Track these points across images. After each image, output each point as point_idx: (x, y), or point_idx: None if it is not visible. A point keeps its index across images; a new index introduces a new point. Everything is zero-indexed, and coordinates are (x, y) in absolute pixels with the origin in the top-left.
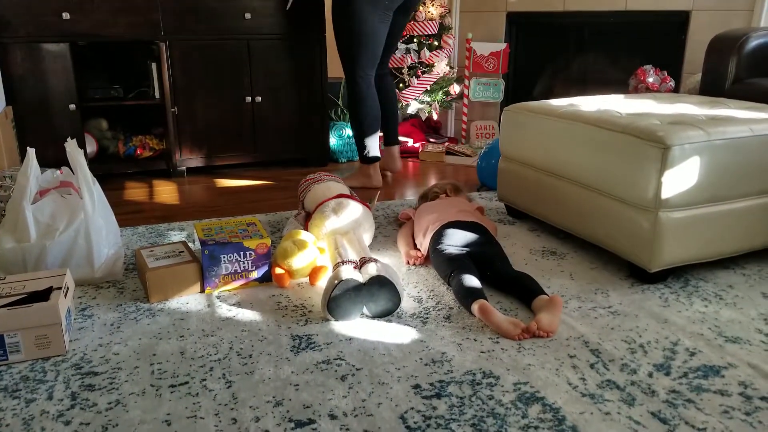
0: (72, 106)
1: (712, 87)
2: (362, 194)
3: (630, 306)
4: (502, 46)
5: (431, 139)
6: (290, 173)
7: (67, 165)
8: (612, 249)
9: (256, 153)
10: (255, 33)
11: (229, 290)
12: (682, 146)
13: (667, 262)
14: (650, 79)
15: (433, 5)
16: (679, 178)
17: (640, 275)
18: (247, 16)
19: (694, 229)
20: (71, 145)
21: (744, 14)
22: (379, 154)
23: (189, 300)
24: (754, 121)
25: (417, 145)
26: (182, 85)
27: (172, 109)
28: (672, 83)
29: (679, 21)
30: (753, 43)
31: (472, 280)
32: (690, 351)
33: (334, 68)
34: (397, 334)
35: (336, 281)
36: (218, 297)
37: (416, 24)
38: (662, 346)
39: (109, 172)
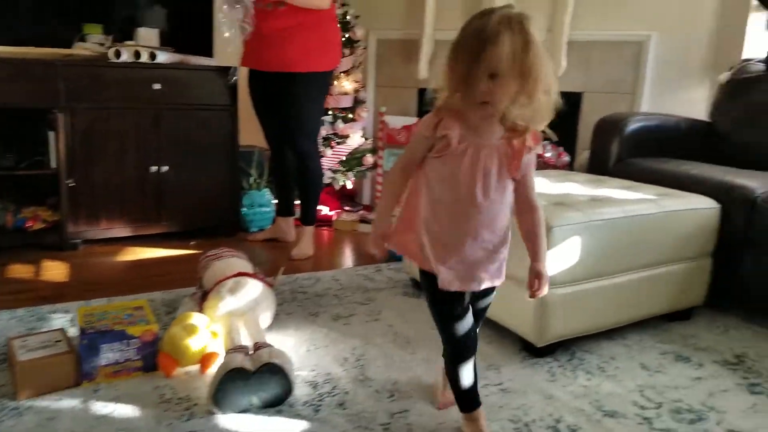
0: None
1: (598, 165)
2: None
3: (519, 382)
4: (414, 120)
5: (347, 208)
6: (196, 245)
7: None
8: (504, 324)
9: (161, 224)
10: (163, 103)
11: (109, 382)
12: (562, 227)
13: (554, 336)
14: (548, 155)
15: (347, 80)
16: (562, 257)
17: (531, 349)
18: (156, 86)
19: (578, 304)
20: None
21: (628, 97)
22: None
23: (63, 396)
24: (627, 202)
25: (332, 213)
26: (82, 155)
27: (67, 181)
28: (567, 158)
29: (573, 101)
30: (632, 126)
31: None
32: (571, 428)
33: (247, 137)
34: (285, 428)
35: (223, 371)
36: (96, 391)
37: (331, 97)
38: (546, 424)
39: None
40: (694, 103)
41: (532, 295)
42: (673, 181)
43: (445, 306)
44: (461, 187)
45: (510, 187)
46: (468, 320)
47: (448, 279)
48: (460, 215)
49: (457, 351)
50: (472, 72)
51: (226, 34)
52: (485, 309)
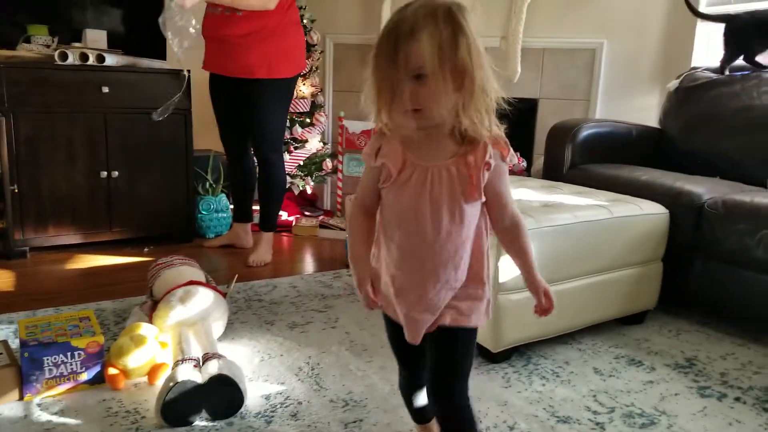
0: None
1: (552, 171)
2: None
3: (475, 388)
4: (373, 125)
5: (306, 213)
6: (150, 252)
7: None
8: None
9: (113, 231)
10: (113, 106)
11: (53, 396)
12: None
13: (509, 342)
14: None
15: (304, 84)
16: (515, 263)
17: (486, 355)
18: (105, 89)
19: (532, 310)
20: None
21: (583, 103)
22: None
23: (3, 410)
24: (578, 208)
25: (291, 218)
26: (28, 160)
27: (11, 187)
28: (524, 163)
29: (530, 107)
30: (585, 132)
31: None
32: None
33: (202, 141)
34: None
35: (171, 383)
36: (39, 405)
37: None
38: (500, 431)
39: None
40: (647, 109)
41: (542, 314)
42: (625, 187)
43: (400, 345)
44: (409, 222)
45: (473, 210)
46: (422, 355)
47: (415, 334)
48: (414, 255)
49: (408, 384)
50: (392, 74)
51: (177, 50)
52: (451, 348)
